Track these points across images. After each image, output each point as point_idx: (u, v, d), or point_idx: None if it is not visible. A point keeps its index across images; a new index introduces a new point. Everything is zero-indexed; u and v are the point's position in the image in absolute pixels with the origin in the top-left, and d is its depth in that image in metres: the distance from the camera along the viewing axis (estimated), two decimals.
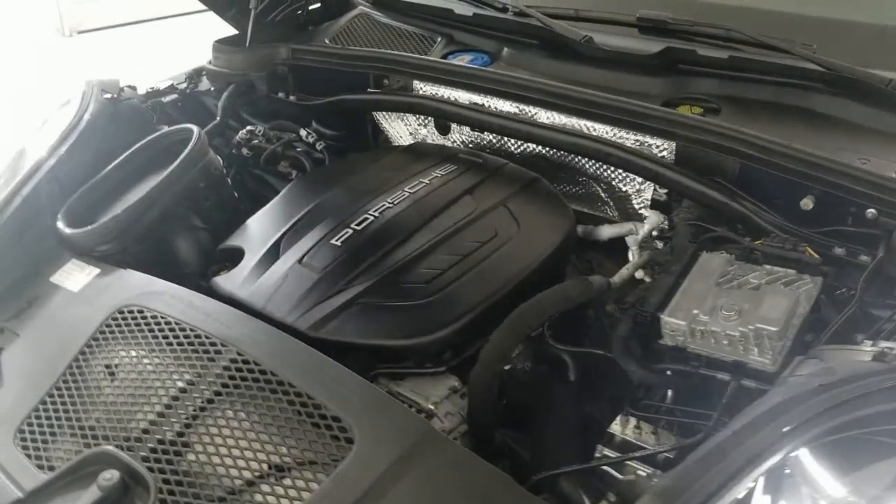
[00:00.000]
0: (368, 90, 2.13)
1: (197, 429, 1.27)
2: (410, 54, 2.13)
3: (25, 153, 1.93)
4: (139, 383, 1.37)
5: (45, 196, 1.77)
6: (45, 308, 1.59)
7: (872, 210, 1.46)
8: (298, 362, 1.32)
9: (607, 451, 1.34)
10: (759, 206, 1.56)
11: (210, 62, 2.33)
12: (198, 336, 1.39)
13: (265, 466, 1.19)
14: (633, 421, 1.36)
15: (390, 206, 1.67)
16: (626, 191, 1.82)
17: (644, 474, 1.29)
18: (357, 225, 1.63)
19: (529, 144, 1.93)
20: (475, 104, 1.95)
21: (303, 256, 1.58)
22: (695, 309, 1.37)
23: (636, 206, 1.82)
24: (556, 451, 1.39)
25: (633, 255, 1.69)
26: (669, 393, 1.36)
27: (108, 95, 2.02)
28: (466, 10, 2.18)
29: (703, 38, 1.90)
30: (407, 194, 1.70)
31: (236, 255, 1.67)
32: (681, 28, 1.92)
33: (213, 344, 1.37)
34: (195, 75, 2.33)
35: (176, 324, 1.42)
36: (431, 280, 1.50)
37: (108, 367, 1.41)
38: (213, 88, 2.31)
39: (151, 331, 1.43)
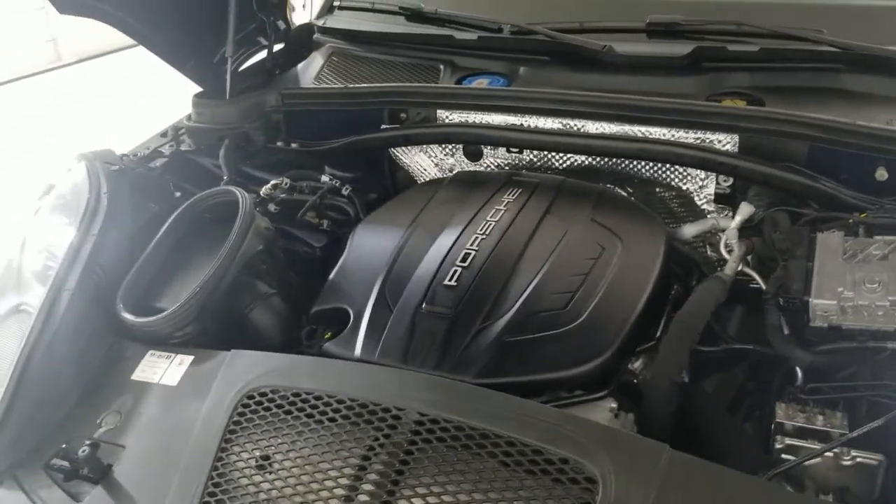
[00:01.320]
0: (383, 126, 2.04)
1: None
2: (429, 84, 2.07)
3: (33, 243, 1.70)
4: (306, 469, 1.23)
5: (94, 287, 1.56)
6: (145, 411, 1.40)
7: None
8: (489, 409, 1.24)
9: (789, 441, 1.36)
10: (839, 184, 1.64)
11: (190, 118, 2.16)
12: (362, 405, 1.27)
13: None
14: (794, 406, 1.39)
15: (484, 237, 1.60)
16: (688, 188, 1.85)
17: (830, 455, 1.32)
18: (462, 262, 1.55)
19: (576, 158, 1.92)
20: (514, 125, 1.92)
21: (421, 303, 1.48)
22: (838, 287, 1.42)
23: (699, 203, 1.85)
24: (741, 454, 1.38)
25: (724, 249, 1.70)
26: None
27: (116, 167, 1.82)
28: (469, 35, 2.15)
29: (715, 36, 1.98)
30: (492, 224, 1.64)
31: (332, 317, 1.55)
32: (692, 28, 1.99)
33: (385, 410, 1.25)
34: (175, 134, 2.14)
35: (328, 397, 1.29)
36: (567, 304, 1.46)
37: (262, 458, 1.26)
38: (198, 147, 2.13)
39: (301, 409, 1.29)
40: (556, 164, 1.95)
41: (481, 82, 2.07)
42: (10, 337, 1.54)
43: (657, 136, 1.79)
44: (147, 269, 1.62)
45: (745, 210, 1.68)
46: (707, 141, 1.76)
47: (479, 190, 1.79)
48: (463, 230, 1.63)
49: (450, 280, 1.51)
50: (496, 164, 2.02)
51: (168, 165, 2.05)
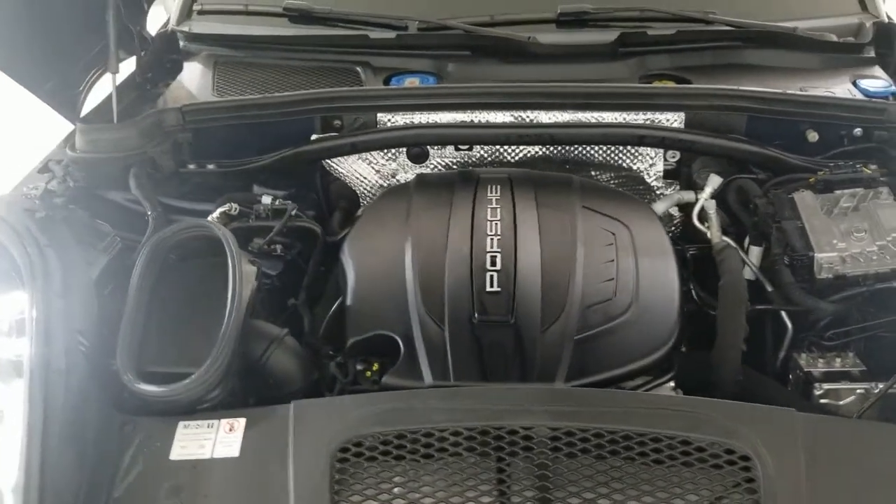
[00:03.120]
0: (317, 136, 1.89)
1: None
2: (362, 87, 1.95)
3: None
4: None
5: (84, 361, 1.28)
6: (211, 493, 1.18)
7: (858, 129, 1.81)
8: (615, 410, 1.22)
9: (827, 386, 1.49)
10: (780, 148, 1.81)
11: (76, 148, 1.83)
12: (482, 432, 1.18)
13: None
14: (813, 355, 1.53)
15: (498, 237, 1.55)
16: (639, 168, 1.93)
17: (862, 391, 1.47)
18: (492, 266, 1.49)
19: (529, 149, 1.92)
20: (465, 122, 1.87)
21: (472, 314, 1.40)
22: (833, 240, 1.57)
23: (649, 181, 1.94)
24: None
25: (696, 219, 1.80)
26: None
27: (41, 214, 1.50)
28: (385, 34, 2.05)
29: (619, 23, 2.08)
30: (497, 223, 1.59)
31: (369, 347, 1.41)
32: (600, 16, 2.08)
33: (511, 432, 1.18)
34: (65, 170, 1.81)
35: (439, 431, 1.18)
36: (615, 293, 1.46)
37: None
38: (93, 181, 1.82)
39: (414, 451, 1.17)
40: (509, 157, 1.94)
41: (413, 81, 1.99)
42: None
43: (610, 121, 1.85)
44: (134, 329, 1.36)
45: (715, 181, 1.79)
46: (656, 121, 1.85)
47: (457, 191, 1.72)
48: (472, 234, 1.56)
49: (491, 286, 1.44)
50: (443, 164, 1.96)
51: (66, 204, 1.72)
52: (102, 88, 2.16)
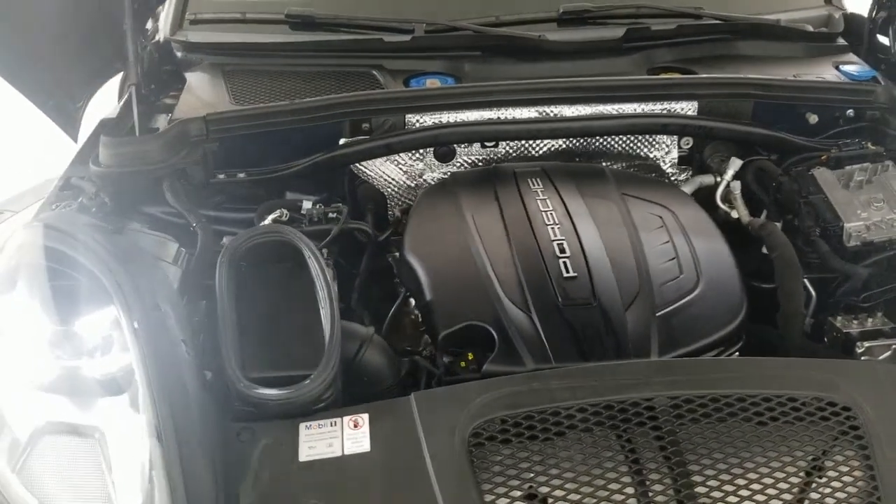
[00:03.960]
0: (345, 140, 1.90)
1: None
2: (395, 90, 1.97)
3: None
4: (585, 487, 1.17)
5: (194, 370, 1.26)
6: (351, 488, 1.18)
7: (850, 110, 1.97)
8: (724, 375, 1.30)
9: (868, 344, 1.62)
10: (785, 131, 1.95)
11: (101, 163, 1.78)
12: (606, 406, 1.24)
13: None
14: (847, 317, 1.67)
15: (558, 225, 1.61)
16: (655, 155, 2.03)
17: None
18: (562, 253, 1.55)
19: (552, 143, 1.99)
20: (492, 119, 1.92)
21: (557, 300, 1.46)
22: (858, 210, 1.71)
23: (665, 167, 2.05)
24: None
25: (720, 200, 1.92)
26: None
27: (109, 229, 1.46)
28: (400, 37, 2.08)
29: (619, 20, 2.19)
30: (552, 213, 1.65)
31: (460, 338, 1.45)
32: (600, 14, 2.18)
33: (633, 404, 1.24)
34: (97, 187, 1.75)
35: (564, 409, 1.23)
36: (681, 270, 1.54)
37: (528, 495, 1.16)
38: (122, 196, 1.77)
39: (546, 430, 1.21)
40: (533, 151, 2.00)
41: (434, 82, 2.03)
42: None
43: (631, 112, 1.94)
44: (234, 337, 1.34)
45: (736, 163, 1.91)
46: (672, 110, 1.96)
47: (499, 186, 1.77)
48: (531, 225, 1.62)
49: (567, 272, 1.50)
50: (469, 161, 2.00)
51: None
52: (96, 104, 2.12)
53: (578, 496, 1.15)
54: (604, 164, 2.00)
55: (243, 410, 1.29)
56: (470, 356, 1.43)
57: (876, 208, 1.73)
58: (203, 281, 1.54)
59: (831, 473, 1.19)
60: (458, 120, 1.91)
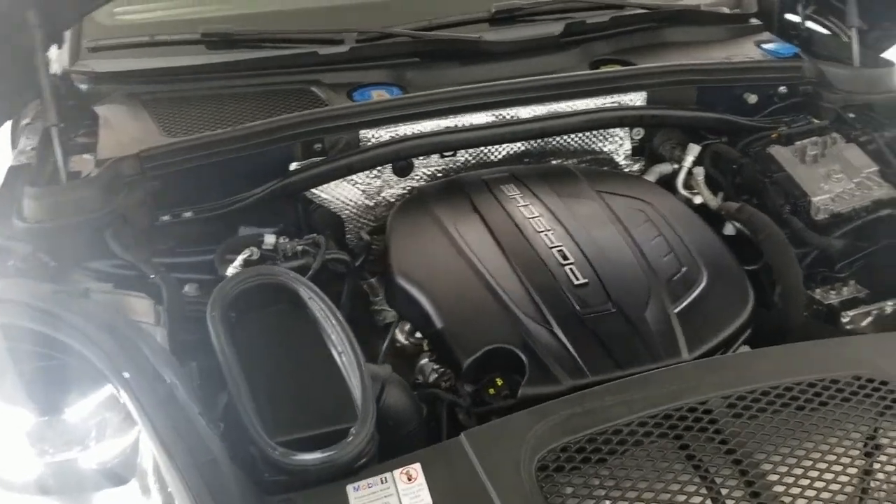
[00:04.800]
0: (298, 164, 1.77)
1: None
2: (345, 105, 1.84)
3: None
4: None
5: (219, 443, 1.11)
6: None
7: (783, 87, 2.04)
8: (766, 366, 1.30)
9: (852, 313, 1.67)
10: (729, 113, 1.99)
11: (29, 218, 1.56)
12: (665, 416, 1.19)
13: None
14: (825, 288, 1.72)
15: (551, 231, 1.56)
16: (611, 149, 2.02)
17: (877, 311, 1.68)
18: (565, 260, 1.49)
19: (511, 146, 1.93)
20: (450, 128, 1.85)
21: (574, 310, 1.40)
22: (821, 184, 1.76)
23: (619, 160, 2.04)
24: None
25: (682, 187, 1.92)
26: None
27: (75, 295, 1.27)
28: (337, 48, 1.95)
29: (547, 16, 2.16)
30: (539, 219, 1.60)
31: (484, 365, 1.36)
32: (530, 11, 2.14)
33: (691, 409, 1.20)
34: (24, 244, 1.53)
35: (626, 426, 1.18)
36: (682, 263, 1.53)
37: None
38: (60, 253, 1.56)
39: (612, 451, 1.15)
40: (493, 157, 1.94)
41: (381, 94, 1.92)
42: None
43: (585, 108, 1.91)
44: (249, 401, 1.19)
45: (695, 149, 1.92)
46: (623, 102, 1.95)
47: (474, 196, 1.70)
48: (522, 234, 1.56)
49: (578, 280, 1.45)
50: (428, 173, 1.91)
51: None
52: None
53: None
54: (569, 160, 1.97)
55: (274, 481, 1.15)
56: (499, 381, 1.35)
57: (836, 180, 1.78)
58: (180, 337, 1.38)
59: (890, 450, 1.19)
60: (416, 131, 1.82)
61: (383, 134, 1.81)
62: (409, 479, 1.14)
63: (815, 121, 1.94)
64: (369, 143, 1.79)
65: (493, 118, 1.87)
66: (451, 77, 1.97)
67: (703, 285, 1.48)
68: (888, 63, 2.01)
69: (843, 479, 1.15)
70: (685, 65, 1.98)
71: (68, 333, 1.14)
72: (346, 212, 1.87)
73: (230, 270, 1.54)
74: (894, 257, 1.76)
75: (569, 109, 1.90)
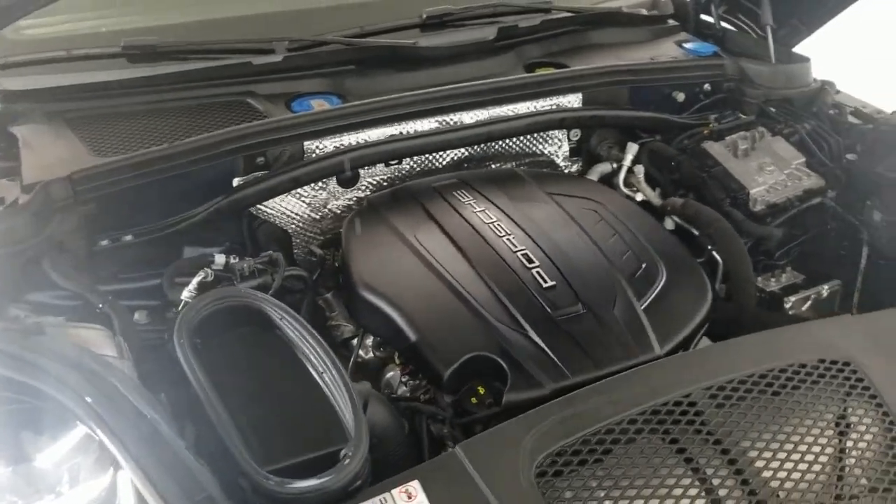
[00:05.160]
0: (241, 179, 1.71)
1: None
2: (287, 116, 1.77)
3: None
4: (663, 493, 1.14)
5: (212, 479, 1.04)
6: None
7: (707, 84, 2.12)
8: (738, 357, 1.34)
9: (793, 299, 1.75)
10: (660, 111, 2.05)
11: None
12: (653, 412, 1.21)
13: None
14: (765, 276, 1.80)
15: (511, 235, 1.56)
16: (551, 151, 2.04)
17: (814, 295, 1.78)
18: (530, 263, 1.50)
19: (454, 152, 1.92)
20: (395, 136, 1.82)
21: (547, 313, 1.41)
22: (755, 176, 1.84)
23: (559, 161, 2.06)
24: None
25: (623, 185, 1.96)
26: None
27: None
28: (271, 58, 1.89)
29: (477, 20, 2.17)
30: (497, 223, 1.59)
31: (464, 374, 1.35)
32: (462, 16, 2.14)
33: (676, 403, 1.22)
34: None
35: (616, 424, 1.19)
36: (640, 261, 1.56)
37: None
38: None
39: (607, 451, 1.16)
40: (437, 163, 1.92)
41: (321, 103, 1.87)
42: None
43: (527, 111, 1.93)
44: (233, 431, 1.13)
45: (634, 148, 1.97)
46: (561, 104, 1.98)
47: (427, 204, 1.68)
48: (484, 239, 1.56)
49: (546, 283, 1.46)
50: (374, 183, 1.88)
51: None
52: None
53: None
54: (511, 164, 1.98)
55: None
56: (481, 390, 1.34)
57: (769, 172, 1.86)
58: (141, 369, 1.30)
59: (860, 428, 1.25)
60: (361, 140, 1.79)
61: (328, 144, 1.77)
62: (409, 497, 1.11)
63: (743, 116, 2.02)
64: (315, 155, 1.75)
65: (438, 124, 1.86)
66: (389, 84, 1.95)
67: (663, 280, 1.51)
68: (803, 59, 2.12)
69: (823, 459, 1.20)
70: (618, 66, 2.03)
71: (31, 374, 1.05)
72: (293, 226, 1.82)
73: (185, 294, 1.47)
74: (825, 243, 1.86)
75: (511, 113, 1.91)
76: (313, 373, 1.23)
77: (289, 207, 1.80)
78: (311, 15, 2.14)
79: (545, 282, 1.45)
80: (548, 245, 1.54)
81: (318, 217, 1.83)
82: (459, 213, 1.64)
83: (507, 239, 1.55)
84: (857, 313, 1.67)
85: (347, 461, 1.09)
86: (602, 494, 1.12)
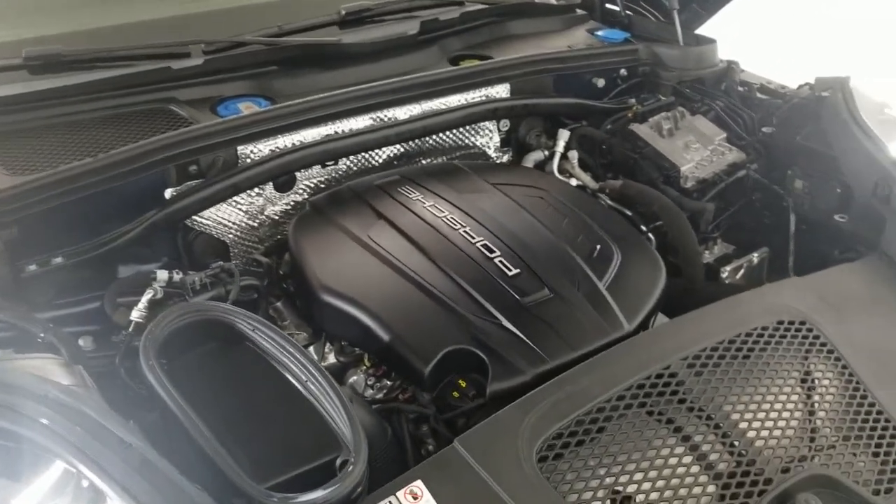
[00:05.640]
0: (174, 190, 1.62)
1: None
2: (219, 121, 1.69)
3: None
4: (658, 470, 1.16)
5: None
6: None
7: (623, 69, 2.18)
8: (709, 325, 1.38)
9: (729, 268, 1.83)
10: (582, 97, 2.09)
11: None
12: (639, 386, 1.23)
13: None
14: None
15: (466, 227, 1.55)
16: (482, 142, 2.04)
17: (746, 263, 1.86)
18: (491, 253, 1.49)
19: (390, 150, 1.89)
20: (331, 135, 1.78)
21: (516, 300, 1.40)
22: (684, 154, 1.91)
23: (490, 152, 2.06)
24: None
25: (557, 171, 1.98)
26: None
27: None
28: (191, 61, 1.80)
29: (394, 15, 2.16)
30: (450, 216, 1.58)
31: (443, 369, 1.33)
32: (379, 11, 2.12)
33: (658, 376, 1.25)
34: None
35: (605, 402, 1.20)
36: (595, 242, 1.58)
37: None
38: None
39: (601, 429, 1.17)
40: (374, 162, 1.89)
41: (249, 106, 1.80)
42: None
43: (458, 103, 1.92)
44: (219, 447, 1.06)
45: (565, 134, 1.99)
46: (491, 95, 1.98)
47: (373, 203, 1.65)
48: (440, 233, 1.54)
49: (511, 271, 1.46)
50: (311, 185, 1.82)
51: None
52: None
53: (656, 476, 1.13)
54: (445, 158, 1.97)
55: None
56: (462, 383, 1.32)
57: (695, 149, 1.93)
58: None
59: (824, 382, 1.31)
60: (296, 142, 1.73)
61: (262, 148, 1.70)
62: (416, 498, 1.08)
63: (663, 98, 2.09)
64: (250, 160, 1.68)
65: (372, 121, 1.82)
66: (316, 83, 1.90)
67: (619, 260, 1.54)
68: (710, 40, 2.21)
69: (797, 414, 1.25)
70: (542, 55, 2.05)
71: None
72: (230, 235, 1.74)
73: (134, 315, 1.38)
74: (750, 213, 1.95)
75: (443, 106, 1.89)
76: (295, 382, 1.18)
77: (225, 216, 1.72)
78: (226, 16, 2.06)
79: (509, 270, 1.45)
80: (504, 234, 1.54)
81: (255, 224, 1.76)
82: (410, 210, 1.61)
83: (464, 231, 1.54)
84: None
85: (350, 468, 1.05)
86: (602, 472, 1.13)
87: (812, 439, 1.25)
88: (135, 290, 1.45)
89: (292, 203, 1.80)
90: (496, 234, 1.53)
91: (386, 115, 1.83)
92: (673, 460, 1.16)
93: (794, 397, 1.28)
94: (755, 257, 1.87)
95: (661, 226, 1.75)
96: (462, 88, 1.91)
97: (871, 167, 1.67)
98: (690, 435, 1.20)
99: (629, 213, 1.81)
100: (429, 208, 1.61)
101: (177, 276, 1.47)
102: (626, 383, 1.23)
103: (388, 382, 1.41)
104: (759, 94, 2.12)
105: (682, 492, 1.12)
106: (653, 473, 1.14)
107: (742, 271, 1.85)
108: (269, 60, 1.92)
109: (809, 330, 1.38)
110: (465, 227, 1.55)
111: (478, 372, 1.31)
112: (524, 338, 1.34)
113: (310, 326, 1.53)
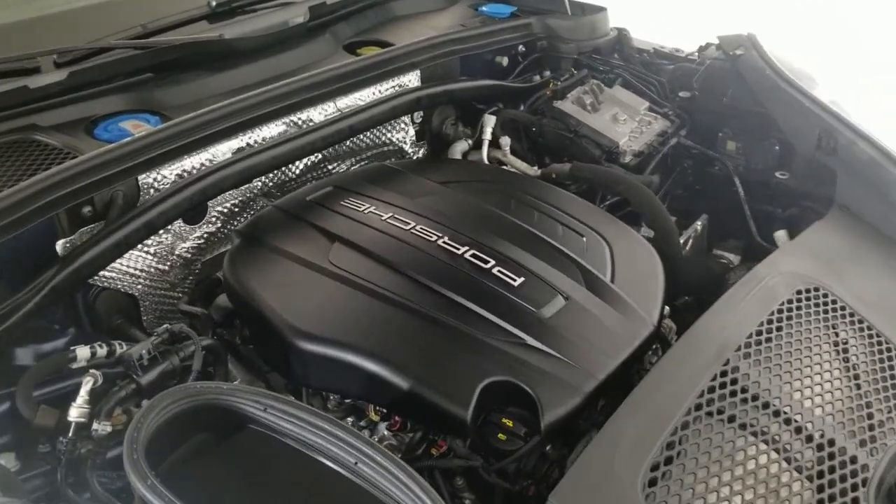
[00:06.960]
0: (66, 240, 1.27)
1: None
2: (111, 147, 1.32)
3: None
4: None
5: None
6: None
7: (521, 45, 2.05)
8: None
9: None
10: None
11: None
12: None
13: None
14: None
15: (439, 236, 1.34)
16: (399, 137, 1.81)
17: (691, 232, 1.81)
18: (483, 263, 1.28)
19: (310, 158, 1.63)
20: (244, 148, 1.49)
21: (532, 313, 1.21)
22: (616, 128, 1.81)
23: (406, 147, 1.84)
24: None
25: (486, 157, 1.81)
26: None
27: None
28: (45, 79, 1.42)
29: (267, 3, 1.88)
30: (416, 228, 1.37)
31: (486, 403, 1.12)
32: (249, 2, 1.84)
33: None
34: None
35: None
36: (577, 233, 1.43)
37: None
38: None
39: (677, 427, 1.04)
40: (290, 174, 1.61)
41: (137, 124, 1.46)
42: None
43: (376, 97, 1.70)
44: None
45: (492, 121, 1.82)
46: (403, 85, 1.77)
47: (320, 221, 1.40)
48: (419, 249, 1.32)
49: (514, 281, 1.27)
50: (224, 211, 1.52)
51: None
52: None
53: (762, 491, 1.02)
54: (364, 158, 1.73)
55: None
56: (507, 422, 1.12)
57: (623, 122, 1.84)
58: None
59: (855, 347, 1.26)
60: (205, 162, 1.42)
61: (168, 174, 1.38)
62: None
63: (575, 72, 1.98)
64: (154, 190, 1.35)
65: (286, 127, 1.55)
66: (205, 88, 1.61)
67: (613, 251, 1.40)
68: (600, 8, 2.12)
69: (846, 383, 1.19)
70: (443, 36, 1.86)
71: None
72: (139, 286, 1.41)
73: (74, 413, 1.04)
74: (685, 181, 1.89)
75: (360, 102, 1.66)
76: (335, 466, 0.93)
77: (130, 264, 1.38)
78: (78, 16, 1.66)
79: (513, 280, 1.26)
80: (485, 239, 1.35)
81: (165, 268, 1.44)
82: (367, 224, 1.37)
83: (443, 242, 1.33)
84: (755, 240, 1.71)
85: None
86: (703, 489, 0.99)
87: (864, 408, 1.19)
88: (54, 380, 1.10)
89: (205, 235, 1.49)
90: (478, 241, 1.34)
91: (300, 118, 1.57)
92: (763, 459, 1.05)
93: (836, 370, 1.22)
94: (698, 226, 1.81)
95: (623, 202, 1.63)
96: (375, 80, 1.69)
97: (811, 121, 1.66)
98: (773, 436, 1.09)
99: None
100: (388, 220, 1.38)
101: (101, 351, 1.14)
102: (695, 390, 1.10)
103: (405, 436, 1.18)
104: (658, 60, 2.08)
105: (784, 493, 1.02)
106: (750, 481, 1.02)
107: (690, 242, 1.78)
108: (143, 67, 1.58)
109: (825, 295, 1.33)
110: (441, 236, 1.34)
111: (516, 405, 1.12)
112: (559, 356, 1.16)
113: (281, 380, 1.26)
